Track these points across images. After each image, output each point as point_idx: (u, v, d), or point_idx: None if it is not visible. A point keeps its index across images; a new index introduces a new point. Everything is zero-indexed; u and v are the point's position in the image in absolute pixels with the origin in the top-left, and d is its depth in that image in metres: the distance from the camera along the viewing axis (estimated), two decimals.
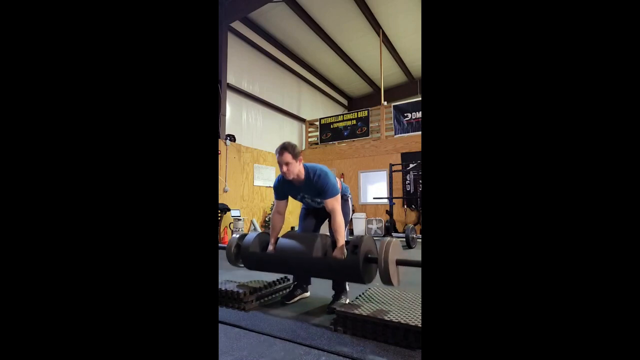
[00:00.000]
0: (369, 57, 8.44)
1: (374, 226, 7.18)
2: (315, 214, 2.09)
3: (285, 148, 1.77)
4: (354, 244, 1.60)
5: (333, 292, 1.95)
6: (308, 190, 1.87)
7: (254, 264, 1.98)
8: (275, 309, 1.93)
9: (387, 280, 1.53)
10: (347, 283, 1.96)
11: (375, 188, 7.73)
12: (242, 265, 2.07)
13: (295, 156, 1.78)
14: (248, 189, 6.41)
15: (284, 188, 1.96)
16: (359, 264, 1.53)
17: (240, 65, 6.80)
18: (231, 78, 6.46)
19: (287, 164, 1.76)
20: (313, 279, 2.23)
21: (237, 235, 2.09)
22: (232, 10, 6.03)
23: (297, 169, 1.81)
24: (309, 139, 8.85)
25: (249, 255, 1.95)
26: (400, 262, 1.59)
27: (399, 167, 6.73)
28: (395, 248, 1.57)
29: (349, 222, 2.04)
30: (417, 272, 3.02)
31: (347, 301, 1.88)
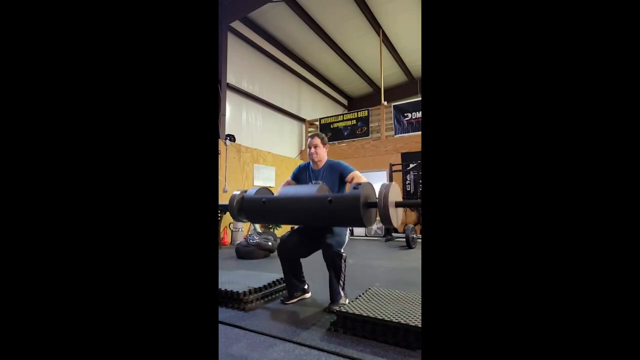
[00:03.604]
0: (369, 57, 8.44)
1: (374, 226, 7.18)
2: (312, 235, 2.06)
3: (317, 134, 2.15)
4: (354, 187, 1.67)
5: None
6: (325, 176, 2.07)
7: (257, 214, 1.97)
8: (275, 309, 1.93)
9: (387, 221, 1.56)
10: (343, 285, 1.94)
11: (375, 188, 7.72)
12: (245, 219, 2.05)
13: (324, 143, 2.14)
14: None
15: (300, 174, 2.19)
16: (359, 207, 1.57)
17: (240, 65, 6.80)
18: (231, 78, 6.46)
19: (315, 146, 2.09)
20: (312, 281, 2.22)
21: (239, 191, 2.10)
22: (232, 10, 6.03)
23: (323, 154, 2.12)
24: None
25: (252, 205, 1.94)
26: (399, 204, 1.64)
27: (399, 167, 6.73)
28: (394, 191, 1.61)
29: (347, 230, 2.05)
30: (417, 272, 3.02)
31: (347, 301, 1.88)
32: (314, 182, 2.09)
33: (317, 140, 2.11)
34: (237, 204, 1.98)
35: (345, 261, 1.94)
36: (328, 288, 1.94)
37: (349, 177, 2.00)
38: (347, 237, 2.02)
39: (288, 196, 1.87)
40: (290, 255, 2.04)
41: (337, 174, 2.04)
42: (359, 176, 1.97)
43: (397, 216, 1.65)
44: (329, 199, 1.67)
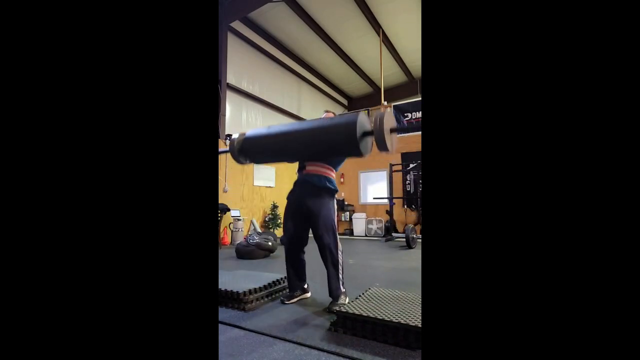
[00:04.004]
0: (369, 57, 8.43)
1: (374, 226, 7.18)
2: (300, 214, 2.07)
3: (332, 111, 2.30)
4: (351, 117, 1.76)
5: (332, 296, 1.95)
6: None
7: (258, 150, 2.03)
8: (275, 309, 1.93)
9: (382, 146, 1.64)
10: (343, 283, 1.95)
11: (375, 188, 7.73)
12: (246, 160, 2.11)
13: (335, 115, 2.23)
14: (248, 189, 6.41)
15: None
16: (356, 136, 1.65)
17: (240, 65, 6.80)
18: (231, 78, 6.46)
19: (327, 111, 2.26)
20: (312, 281, 2.22)
21: (238, 134, 2.16)
22: (232, 10, 6.03)
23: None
24: None
25: (252, 142, 2.00)
26: (393, 130, 1.72)
27: (399, 167, 6.73)
28: (388, 118, 1.69)
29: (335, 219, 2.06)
30: (417, 272, 3.02)
31: (347, 301, 1.88)
32: None
33: (331, 114, 2.25)
34: (238, 144, 2.03)
35: (341, 252, 1.97)
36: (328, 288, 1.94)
37: None
38: (335, 220, 2.04)
39: (287, 127, 1.95)
40: (296, 242, 2.07)
41: None
42: None
43: (392, 142, 1.74)
44: (328, 123, 1.76)
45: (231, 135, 2.25)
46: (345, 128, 1.71)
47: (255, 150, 2.00)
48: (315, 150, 1.90)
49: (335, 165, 2.11)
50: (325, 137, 1.78)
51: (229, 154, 2.08)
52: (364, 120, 1.76)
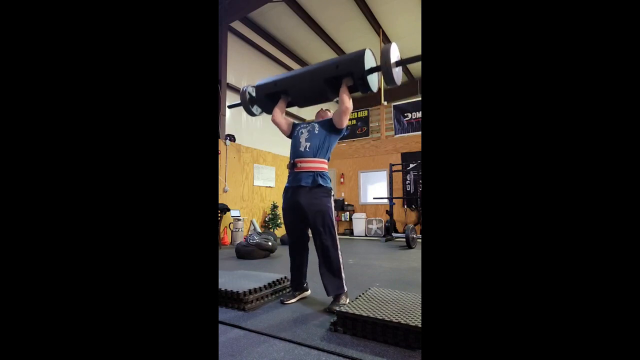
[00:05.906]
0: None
1: (374, 226, 7.18)
2: (296, 215, 2.03)
3: (327, 109, 2.34)
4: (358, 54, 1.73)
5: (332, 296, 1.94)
6: (319, 121, 2.14)
7: (271, 97, 2.04)
8: (275, 309, 1.93)
9: (390, 80, 1.66)
10: (345, 283, 1.95)
11: (375, 188, 7.73)
12: (257, 111, 2.11)
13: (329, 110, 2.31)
14: (248, 189, 6.41)
15: (295, 127, 2.22)
16: (364, 72, 1.66)
17: (241, 65, 6.81)
18: (231, 78, 6.47)
19: (325, 110, 2.30)
20: (312, 281, 2.22)
21: (246, 86, 2.20)
22: (232, 10, 6.03)
23: (327, 117, 2.21)
24: None
25: (263, 88, 2.01)
26: (399, 63, 1.73)
27: (399, 167, 6.73)
28: (393, 52, 1.71)
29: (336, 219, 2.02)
30: (417, 272, 3.02)
31: (347, 301, 1.87)
32: (304, 129, 2.07)
33: (328, 112, 2.26)
34: (250, 94, 2.08)
35: (340, 252, 1.95)
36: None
37: (335, 114, 1.99)
38: (333, 218, 1.97)
39: (296, 70, 1.97)
40: (297, 241, 2.07)
41: (328, 123, 2.05)
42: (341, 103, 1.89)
43: (398, 75, 1.73)
44: (336, 64, 1.75)
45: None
46: (353, 63, 1.68)
47: (267, 96, 2.01)
48: (324, 88, 1.88)
49: (327, 151, 2.03)
50: (334, 73, 1.75)
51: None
52: (370, 56, 1.74)
